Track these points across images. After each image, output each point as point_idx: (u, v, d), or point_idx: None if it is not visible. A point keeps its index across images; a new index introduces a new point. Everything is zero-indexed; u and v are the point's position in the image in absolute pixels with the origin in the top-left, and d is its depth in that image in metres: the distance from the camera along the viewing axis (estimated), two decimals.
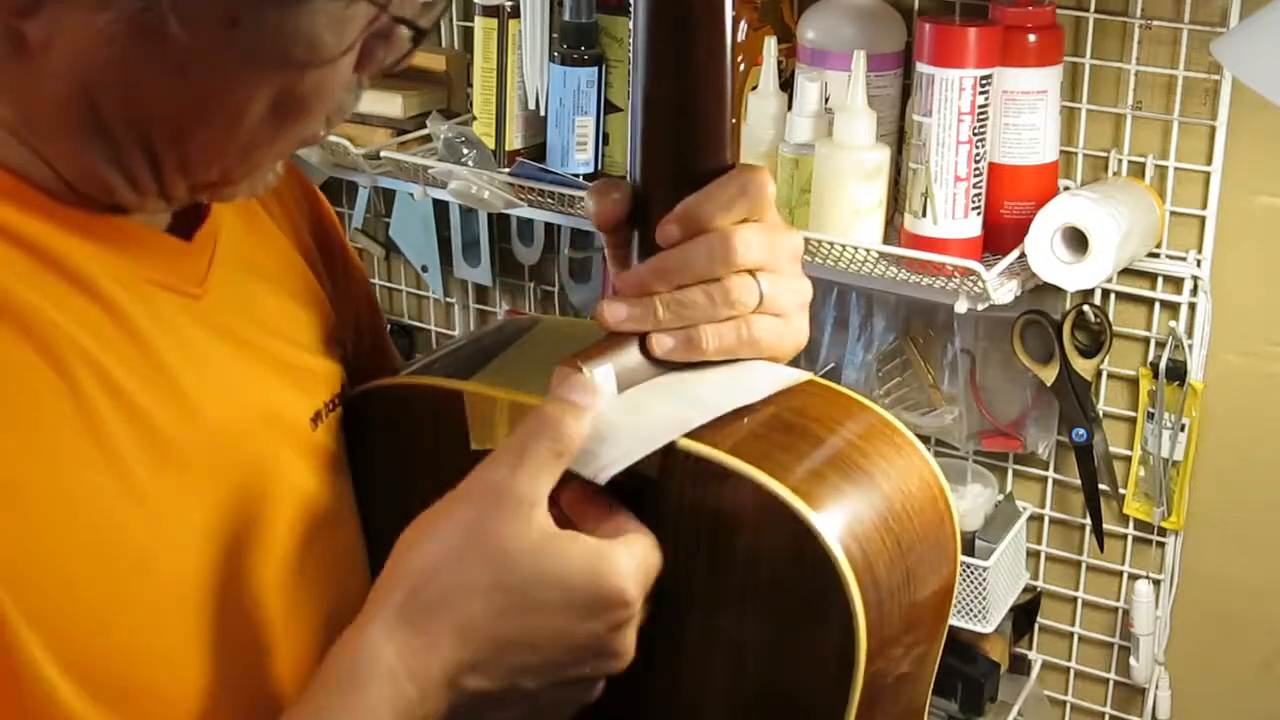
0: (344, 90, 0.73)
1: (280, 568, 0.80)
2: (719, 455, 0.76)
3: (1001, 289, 1.52)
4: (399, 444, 0.88)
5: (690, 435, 0.77)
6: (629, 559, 0.74)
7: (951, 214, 1.52)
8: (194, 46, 0.67)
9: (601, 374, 0.79)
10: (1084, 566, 1.80)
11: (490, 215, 1.98)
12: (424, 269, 2.08)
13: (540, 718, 0.76)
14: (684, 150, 0.80)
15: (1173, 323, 1.64)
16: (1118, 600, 1.79)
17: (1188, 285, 1.63)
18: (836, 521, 0.74)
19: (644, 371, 0.81)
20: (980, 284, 1.49)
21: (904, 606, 0.77)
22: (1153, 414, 1.68)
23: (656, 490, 0.77)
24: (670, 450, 0.77)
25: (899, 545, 0.76)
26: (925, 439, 1.70)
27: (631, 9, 0.79)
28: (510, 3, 1.72)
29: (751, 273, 0.80)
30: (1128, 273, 1.63)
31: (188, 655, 0.74)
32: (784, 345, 0.83)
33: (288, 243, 0.90)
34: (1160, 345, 1.66)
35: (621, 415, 0.78)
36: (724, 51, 0.79)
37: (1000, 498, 1.78)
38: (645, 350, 0.81)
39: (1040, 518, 1.80)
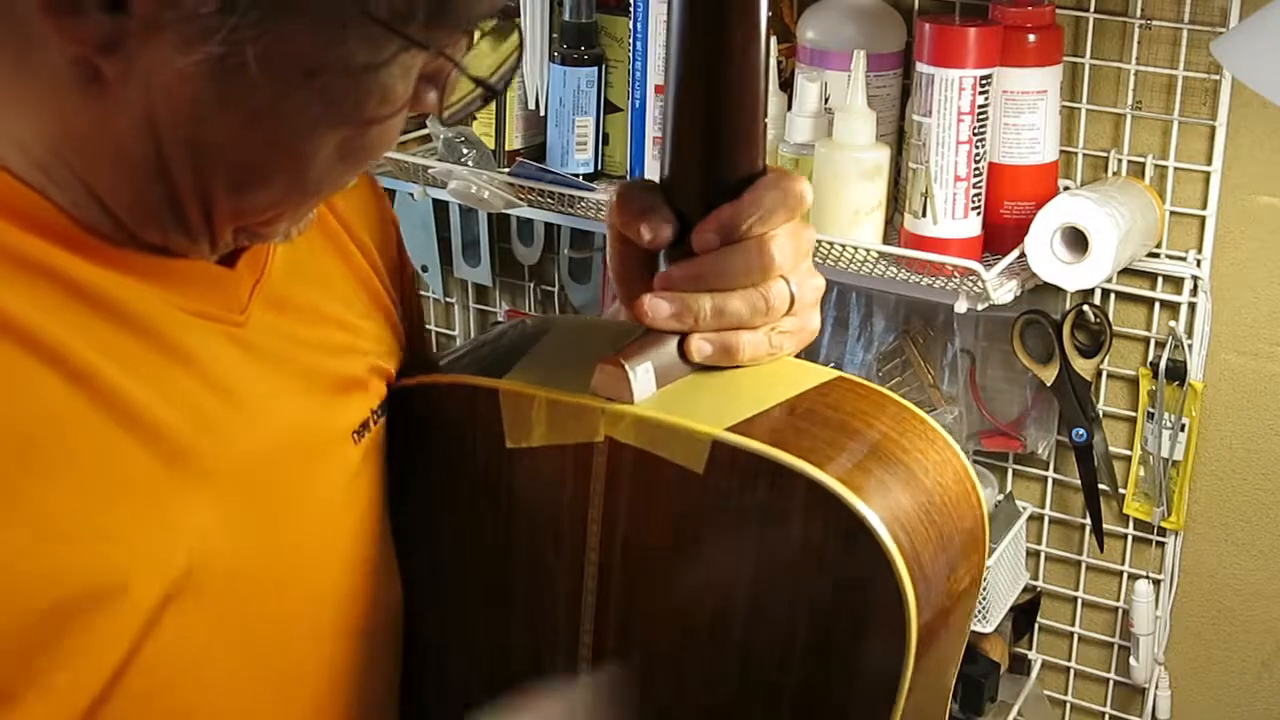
0: (399, 130, 0.74)
1: (312, 590, 0.80)
2: (766, 449, 0.76)
3: (1001, 289, 1.52)
4: (429, 441, 0.87)
5: (733, 429, 0.78)
6: None
7: (951, 214, 1.52)
8: (271, 95, 0.67)
9: (642, 370, 0.80)
10: (1084, 566, 1.80)
11: (490, 215, 1.98)
12: (424, 269, 2.08)
13: None
14: (716, 153, 0.81)
15: (1173, 323, 1.64)
16: (1118, 600, 1.79)
17: (1188, 285, 1.63)
18: (884, 511, 0.75)
19: (680, 369, 0.82)
20: (980, 284, 1.49)
21: (945, 597, 0.77)
22: (1153, 414, 1.68)
23: (703, 486, 0.78)
24: (715, 445, 0.77)
25: (941, 537, 0.77)
26: None
27: (668, 13, 0.80)
28: (510, 3, 1.72)
29: (784, 278, 0.82)
30: (1127, 273, 1.63)
31: (220, 680, 0.74)
32: (801, 339, 0.85)
33: (351, 244, 0.89)
34: (1160, 345, 1.66)
35: (661, 412, 0.79)
36: (758, 55, 0.79)
37: (1000, 498, 1.78)
38: (682, 352, 0.82)
39: (1040, 518, 1.80)
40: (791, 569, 0.77)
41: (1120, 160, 1.62)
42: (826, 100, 1.58)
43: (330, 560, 0.81)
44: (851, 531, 0.74)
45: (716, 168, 0.81)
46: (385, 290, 0.91)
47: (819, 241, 1.53)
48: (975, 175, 1.52)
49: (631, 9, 1.66)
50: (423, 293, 2.13)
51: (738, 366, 0.83)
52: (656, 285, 0.82)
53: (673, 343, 0.82)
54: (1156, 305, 1.66)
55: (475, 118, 1.79)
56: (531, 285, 2.04)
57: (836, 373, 0.83)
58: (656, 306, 0.81)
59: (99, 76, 0.67)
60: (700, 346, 0.81)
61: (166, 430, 0.71)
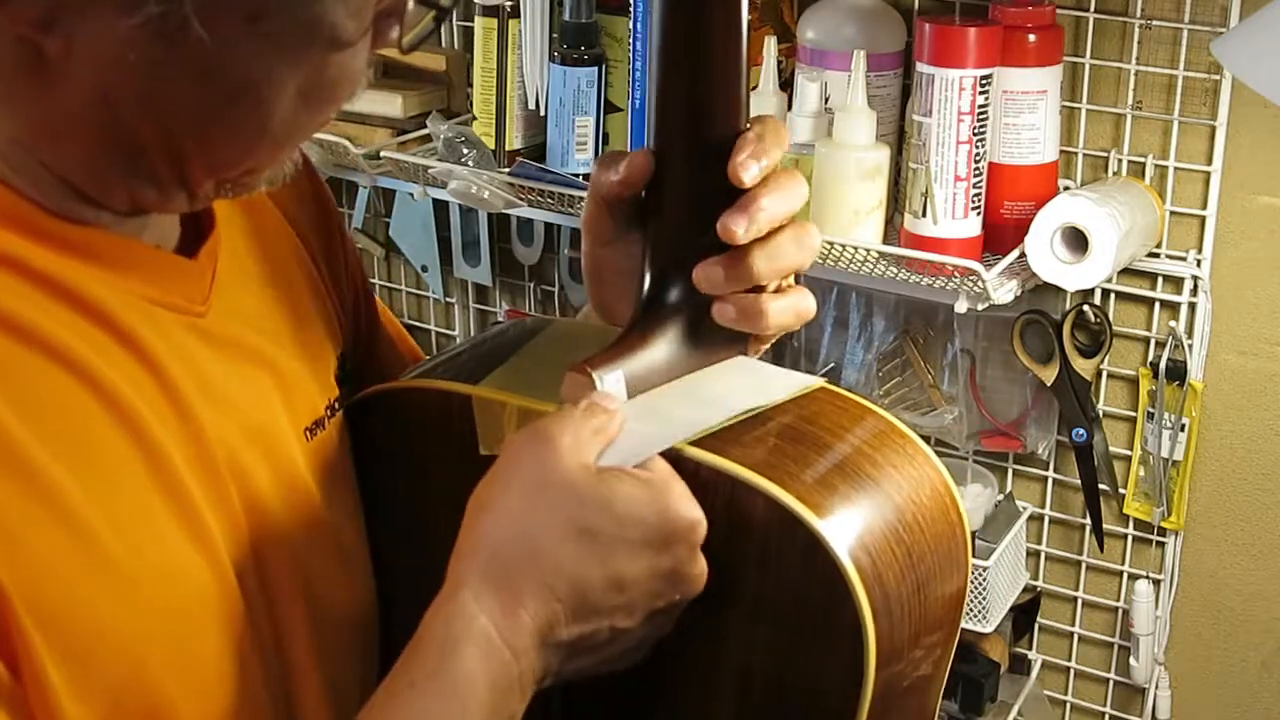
0: (362, 70, 0.73)
1: (287, 580, 0.80)
2: (728, 465, 0.76)
3: (1001, 289, 1.52)
4: (406, 447, 0.87)
5: (700, 444, 0.77)
6: (680, 483, 0.76)
7: (951, 214, 1.52)
8: (217, 46, 0.66)
9: (612, 380, 0.79)
10: (1084, 566, 1.80)
11: (490, 215, 1.98)
12: (424, 269, 2.08)
13: (632, 652, 0.78)
14: (700, 118, 0.80)
15: (1173, 323, 1.64)
16: (1118, 600, 1.79)
17: (1188, 285, 1.63)
18: (846, 531, 0.74)
19: (654, 377, 0.81)
20: (980, 284, 1.49)
21: (914, 617, 0.76)
22: (1153, 414, 1.68)
23: None
24: (680, 460, 0.77)
25: (910, 556, 0.76)
26: (925, 439, 1.70)
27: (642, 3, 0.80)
28: (510, 3, 1.72)
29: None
30: (1128, 273, 1.63)
31: (207, 672, 0.75)
32: (797, 311, 0.85)
33: (291, 235, 0.90)
34: (1160, 345, 1.66)
35: (631, 421, 0.78)
36: (739, 19, 0.79)
37: (1000, 498, 1.78)
38: (653, 348, 0.81)
39: (1040, 518, 1.80)
40: (752, 585, 0.77)
41: (1120, 160, 1.62)
42: (826, 100, 1.58)
43: (300, 555, 0.81)
44: (809, 550, 0.74)
45: (702, 145, 0.80)
46: (324, 280, 0.92)
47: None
48: (975, 175, 1.52)
49: (631, 9, 1.66)
50: (423, 293, 2.13)
51: (717, 368, 0.82)
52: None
53: (648, 350, 0.81)
54: (1156, 305, 1.66)
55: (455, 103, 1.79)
56: (531, 285, 2.04)
57: (820, 382, 0.83)
58: (712, 272, 0.81)
59: (43, 56, 0.67)
60: (723, 309, 0.81)
61: (141, 424, 0.72)
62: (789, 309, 0.83)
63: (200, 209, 0.78)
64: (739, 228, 0.79)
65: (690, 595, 0.77)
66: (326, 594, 0.83)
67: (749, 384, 0.82)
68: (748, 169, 0.79)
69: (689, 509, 0.75)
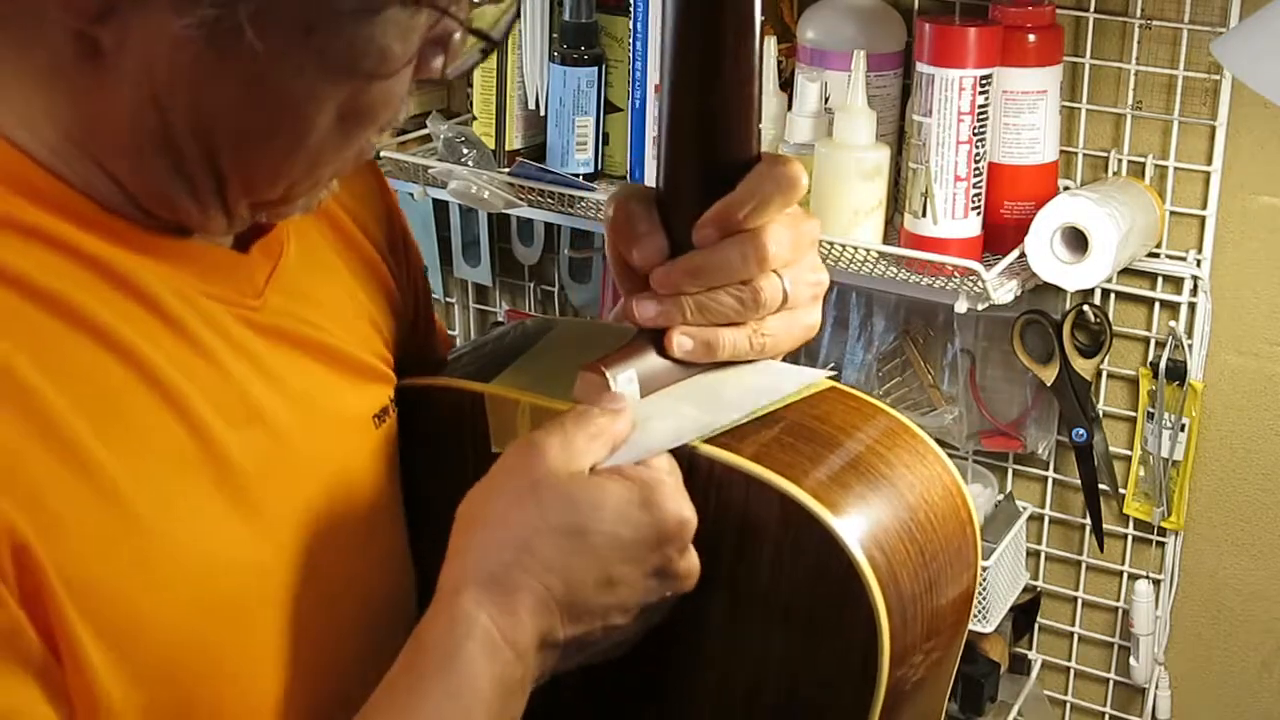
0: (403, 97, 0.74)
1: (347, 568, 0.80)
2: (743, 462, 0.76)
3: (1001, 289, 1.52)
4: (422, 444, 0.88)
5: (714, 442, 0.77)
6: (673, 481, 0.76)
7: (951, 214, 1.52)
8: (267, 55, 0.67)
9: (624, 379, 0.79)
10: (1084, 566, 1.80)
11: (490, 215, 1.98)
12: (424, 269, 2.07)
13: (621, 646, 0.78)
14: (712, 151, 0.80)
15: (1173, 323, 1.64)
16: (1118, 600, 1.79)
17: (1188, 285, 1.63)
18: (860, 528, 0.74)
19: (667, 376, 0.81)
20: (980, 284, 1.49)
21: (926, 615, 0.77)
22: (1153, 414, 1.68)
23: None
24: (694, 457, 0.77)
25: (922, 554, 0.76)
26: None
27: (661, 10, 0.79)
28: None
29: (777, 272, 0.81)
30: (1128, 273, 1.63)
31: (255, 660, 0.75)
32: (791, 337, 0.84)
33: (359, 234, 0.90)
34: (1160, 345, 1.66)
35: (643, 420, 0.78)
36: (752, 51, 0.78)
37: (1000, 498, 1.78)
38: (663, 350, 0.81)
39: (1040, 518, 1.80)
40: (767, 582, 0.77)
41: (1120, 160, 1.62)
42: (826, 100, 1.58)
43: (354, 546, 0.81)
44: (824, 548, 0.74)
45: (712, 164, 0.80)
46: (392, 277, 0.92)
47: (819, 241, 1.52)
48: (975, 175, 1.52)
49: (631, 9, 1.66)
50: None
51: (729, 365, 0.82)
52: (652, 282, 0.81)
53: (661, 350, 0.81)
54: (1156, 305, 1.66)
55: (471, 102, 1.79)
56: (531, 285, 2.04)
57: (830, 382, 0.83)
58: (643, 308, 0.81)
59: (98, 49, 0.67)
60: (680, 341, 0.80)
61: (196, 417, 0.72)
62: (742, 342, 0.82)
63: (238, 231, 0.77)
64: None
65: (682, 591, 0.77)
66: (375, 584, 0.83)
67: (760, 382, 0.82)
68: (704, 238, 0.79)
69: (679, 506, 0.75)
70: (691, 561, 0.77)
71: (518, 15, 0.77)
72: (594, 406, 0.77)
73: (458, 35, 0.73)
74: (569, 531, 0.74)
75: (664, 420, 0.78)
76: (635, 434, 0.77)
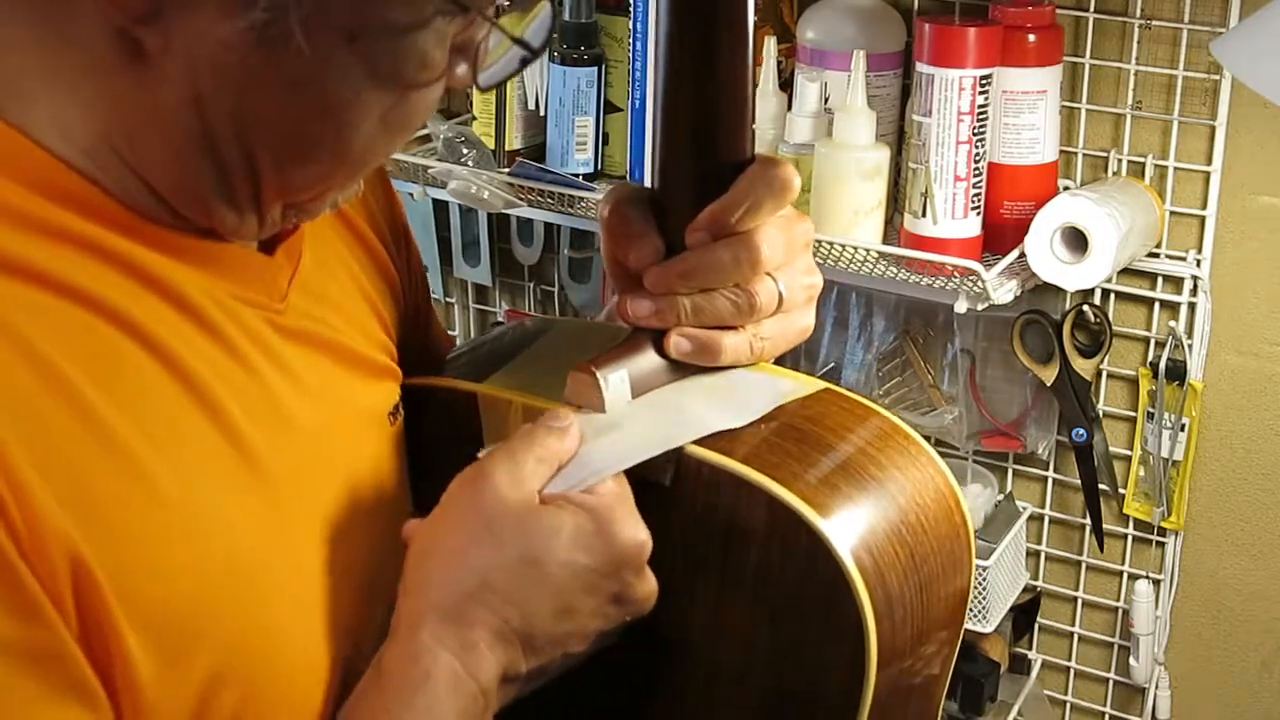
0: (436, 103, 0.74)
1: (372, 563, 0.80)
2: (731, 464, 0.76)
3: (1001, 289, 1.52)
4: (421, 443, 0.88)
5: (703, 443, 0.77)
6: (624, 505, 0.76)
7: (951, 214, 1.52)
8: (315, 60, 0.66)
9: (616, 379, 0.79)
10: (1084, 566, 1.80)
11: (490, 215, 1.98)
12: (424, 269, 2.07)
13: (577, 660, 0.79)
14: (706, 155, 0.79)
15: (1172, 323, 1.64)
16: (1118, 600, 1.79)
17: (1187, 285, 1.63)
18: (848, 531, 0.74)
19: (659, 377, 0.81)
20: (980, 284, 1.49)
21: (917, 618, 0.76)
22: (1153, 414, 1.67)
23: (669, 498, 0.77)
24: (683, 458, 0.77)
25: (913, 557, 0.76)
26: (925, 439, 1.70)
27: (654, 12, 0.79)
28: (509, 2, 1.72)
29: (771, 274, 0.80)
30: (1127, 273, 1.63)
31: (293, 661, 0.75)
32: (786, 340, 0.84)
33: (365, 226, 0.90)
34: (1160, 345, 1.66)
35: (629, 421, 0.78)
36: (746, 51, 0.78)
37: (1000, 498, 1.78)
38: (660, 349, 0.81)
39: (1040, 518, 1.80)
40: (754, 584, 0.77)
41: (1120, 160, 1.62)
42: (826, 100, 1.58)
43: (378, 540, 0.81)
44: (811, 549, 0.73)
45: (706, 167, 0.79)
46: (395, 269, 0.92)
47: (819, 242, 1.53)
48: (975, 175, 1.52)
49: (631, 9, 1.66)
50: None
51: (719, 369, 0.81)
52: (646, 283, 0.81)
53: (653, 350, 0.81)
54: (1156, 305, 1.66)
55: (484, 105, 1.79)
56: (531, 285, 2.04)
57: (824, 384, 0.82)
58: (638, 305, 0.80)
59: (141, 50, 0.67)
60: (679, 343, 0.80)
61: (229, 420, 0.72)
62: (742, 347, 0.82)
63: (267, 235, 0.77)
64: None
65: (639, 615, 0.77)
66: (396, 577, 0.83)
67: (756, 384, 0.81)
68: (696, 241, 0.79)
69: (633, 531, 0.75)
70: (649, 585, 0.77)
71: (553, 25, 0.76)
72: (540, 425, 0.77)
73: (481, 43, 0.73)
74: (525, 562, 0.74)
75: (646, 424, 0.78)
76: (588, 450, 0.77)
